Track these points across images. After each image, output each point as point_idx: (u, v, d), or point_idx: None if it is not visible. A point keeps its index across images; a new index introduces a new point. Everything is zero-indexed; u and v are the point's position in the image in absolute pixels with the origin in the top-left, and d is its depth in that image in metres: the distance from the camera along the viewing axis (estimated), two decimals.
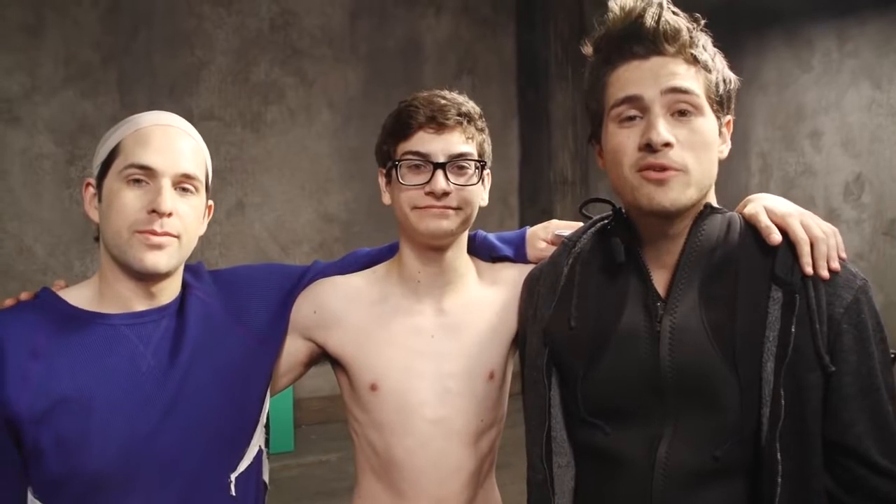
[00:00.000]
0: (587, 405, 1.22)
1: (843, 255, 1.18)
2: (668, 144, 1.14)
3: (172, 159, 1.28)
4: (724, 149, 1.23)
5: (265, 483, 1.46)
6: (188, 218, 1.30)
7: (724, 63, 1.23)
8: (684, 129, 1.16)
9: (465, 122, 1.41)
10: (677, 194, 1.16)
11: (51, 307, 1.29)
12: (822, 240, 1.16)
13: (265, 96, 5.24)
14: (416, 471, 1.45)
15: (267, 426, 1.48)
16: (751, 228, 1.22)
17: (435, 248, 1.45)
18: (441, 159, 1.40)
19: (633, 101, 1.17)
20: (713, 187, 1.24)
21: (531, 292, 1.38)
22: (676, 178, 1.16)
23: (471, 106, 1.45)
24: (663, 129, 1.14)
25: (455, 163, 1.40)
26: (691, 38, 1.18)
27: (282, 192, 5.29)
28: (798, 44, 4.31)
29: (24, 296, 1.33)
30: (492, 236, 1.58)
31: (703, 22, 1.22)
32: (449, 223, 1.41)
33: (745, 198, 1.33)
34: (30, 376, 1.21)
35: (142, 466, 1.24)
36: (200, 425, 1.30)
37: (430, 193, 1.39)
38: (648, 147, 1.15)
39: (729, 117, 1.23)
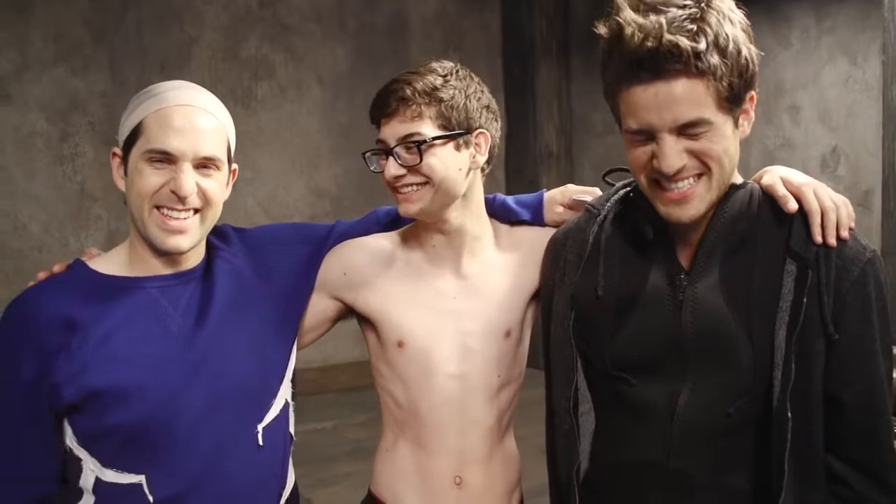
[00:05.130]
0: (613, 362, 1.31)
1: (853, 225, 1.25)
2: (680, 170, 1.19)
3: (192, 143, 1.32)
4: (747, 126, 1.25)
5: (291, 435, 1.53)
6: (211, 191, 1.35)
7: (744, 38, 1.18)
8: (696, 143, 1.19)
9: (410, 103, 1.42)
10: (696, 209, 1.23)
11: (83, 278, 1.36)
12: (831, 209, 1.23)
13: (255, 72, 5.27)
14: (438, 424, 1.52)
15: (293, 380, 1.54)
16: (768, 199, 1.28)
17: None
18: (392, 144, 1.43)
19: (642, 132, 1.20)
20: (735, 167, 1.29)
21: (556, 257, 1.44)
22: (694, 192, 1.22)
23: (430, 79, 1.43)
24: (672, 158, 1.18)
25: (403, 144, 1.42)
26: (695, 51, 1.14)
27: (273, 167, 5.34)
28: (777, 21, 4.40)
29: (56, 268, 1.41)
30: (510, 199, 1.62)
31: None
32: (416, 205, 1.45)
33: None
34: (69, 347, 1.30)
35: (175, 420, 1.33)
36: (228, 381, 1.37)
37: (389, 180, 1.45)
38: (658, 171, 1.21)
39: (751, 93, 1.23)
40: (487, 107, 1.50)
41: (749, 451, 1.27)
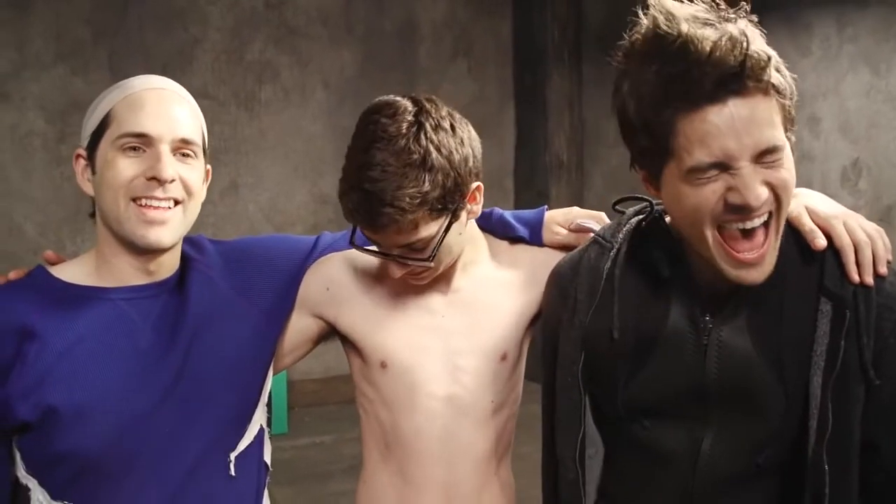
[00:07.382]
0: (626, 408, 1.21)
1: (891, 258, 1.15)
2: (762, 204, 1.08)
3: (169, 124, 1.23)
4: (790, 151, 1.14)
5: (267, 464, 1.43)
6: (191, 182, 1.25)
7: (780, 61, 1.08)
8: (772, 172, 1.06)
9: (403, 222, 1.27)
10: (769, 266, 1.10)
11: (45, 285, 1.25)
12: (865, 244, 1.13)
13: (259, 75, 5.18)
14: (424, 452, 1.41)
15: (268, 405, 1.44)
16: (793, 232, 1.17)
17: None
18: (394, 252, 1.34)
19: (720, 166, 1.05)
20: None
21: (564, 294, 1.29)
22: (767, 247, 1.09)
23: (412, 185, 1.26)
24: (757, 189, 1.04)
25: (408, 248, 1.32)
26: (765, 66, 1.03)
27: (276, 172, 5.24)
28: (797, 29, 4.29)
29: (12, 275, 1.29)
30: (508, 214, 1.52)
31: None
32: (426, 280, 1.39)
33: None
34: (25, 358, 1.18)
35: (140, 447, 1.21)
36: (201, 405, 1.27)
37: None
38: (737, 207, 1.06)
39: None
40: (472, 153, 1.34)
41: (780, 498, 1.18)
